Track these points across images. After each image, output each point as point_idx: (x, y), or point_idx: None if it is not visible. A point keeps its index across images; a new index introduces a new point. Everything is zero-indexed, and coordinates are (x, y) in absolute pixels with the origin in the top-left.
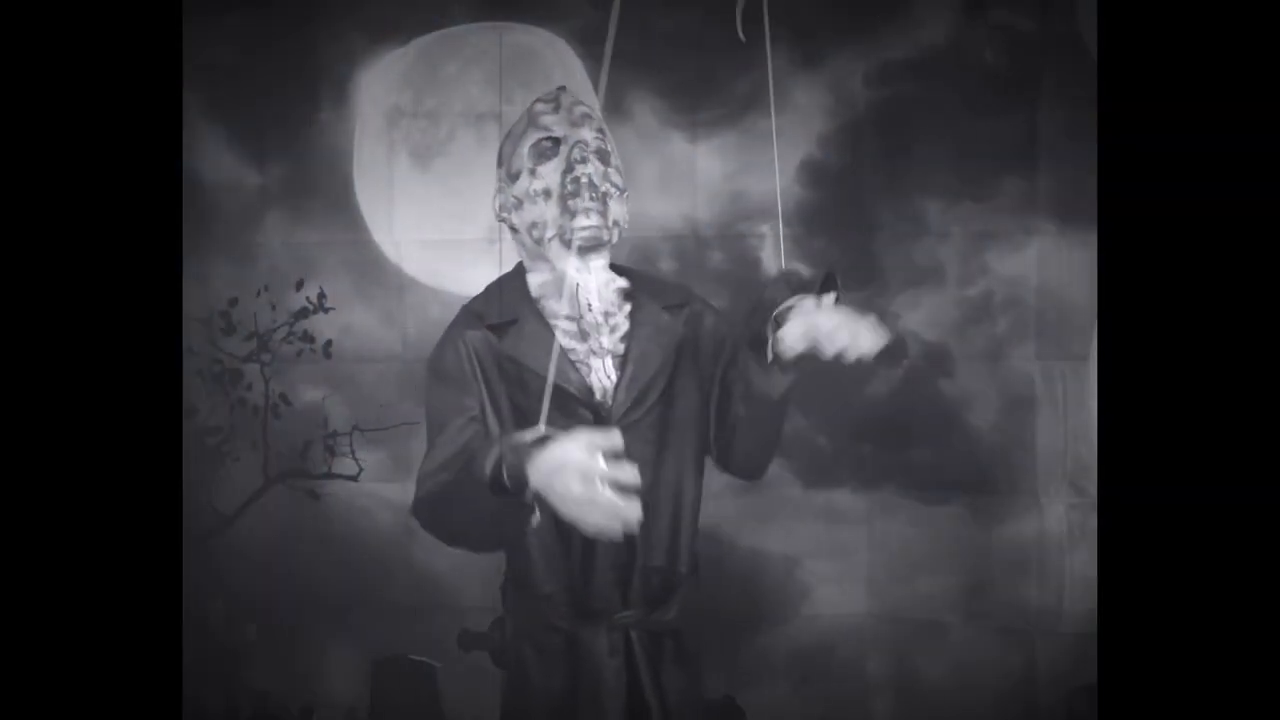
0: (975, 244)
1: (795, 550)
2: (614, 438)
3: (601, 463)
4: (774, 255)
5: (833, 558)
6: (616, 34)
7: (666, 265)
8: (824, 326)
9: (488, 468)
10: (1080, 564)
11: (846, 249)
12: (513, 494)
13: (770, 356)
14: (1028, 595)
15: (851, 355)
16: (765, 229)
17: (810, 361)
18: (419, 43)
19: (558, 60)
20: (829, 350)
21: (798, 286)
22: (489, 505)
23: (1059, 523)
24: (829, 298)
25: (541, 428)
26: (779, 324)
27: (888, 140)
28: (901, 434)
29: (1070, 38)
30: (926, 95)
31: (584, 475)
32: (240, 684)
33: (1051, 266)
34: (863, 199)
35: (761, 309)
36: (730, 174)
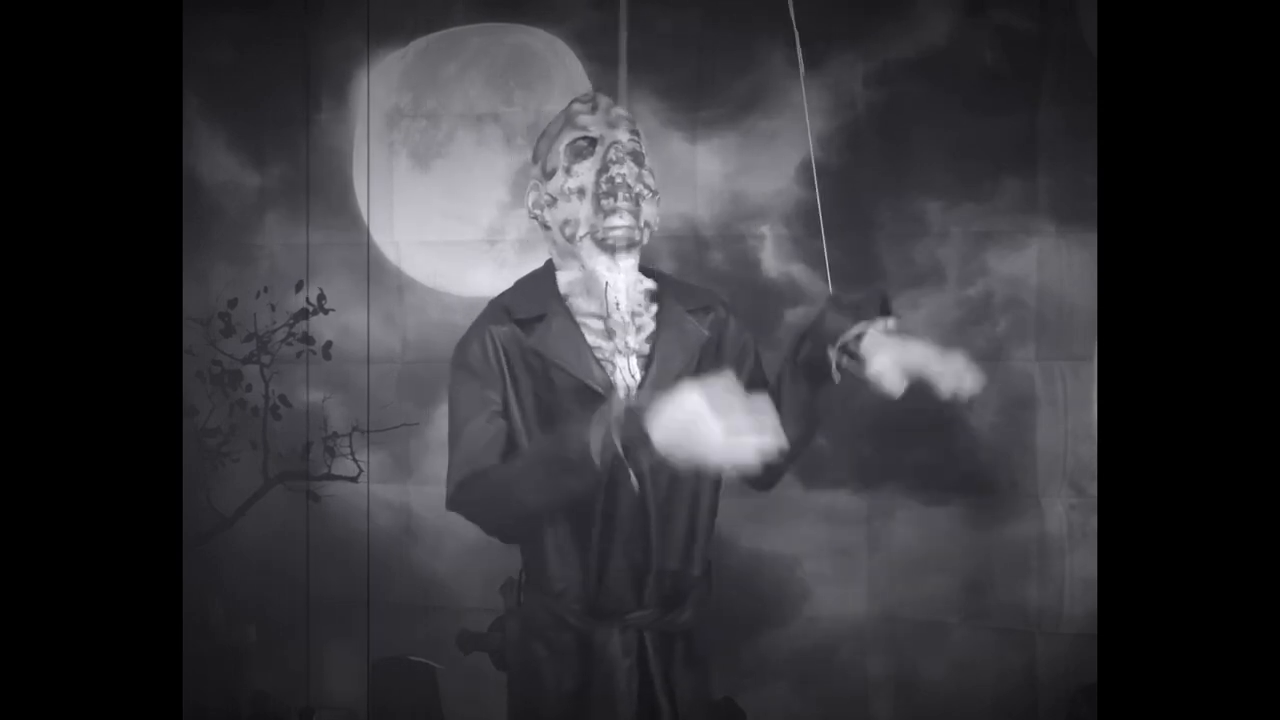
0: (975, 244)
1: (795, 551)
2: (728, 379)
3: (736, 404)
4: (774, 256)
5: (833, 558)
6: (615, 35)
7: (666, 266)
8: (928, 364)
9: (595, 443)
10: (1080, 564)
11: (846, 249)
12: (623, 462)
13: (838, 379)
14: (1028, 595)
15: (963, 396)
16: (765, 229)
17: (914, 396)
18: (418, 44)
19: (557, 61)
20: (944, 391)
21: (850, 311)
22: (545, 495)
23: (1059, 523)
24: (890, 322)
25: (620, 396)
26: (848, 352)
27: (888, 140)
28: (901, 434)
29: (1070, 38)
30: (926, 95)
31: (723, 421)
32: (240, 684)
33: (1051, 266)
34: (863, 199)
35: (816, 335)
36: (730, 174)
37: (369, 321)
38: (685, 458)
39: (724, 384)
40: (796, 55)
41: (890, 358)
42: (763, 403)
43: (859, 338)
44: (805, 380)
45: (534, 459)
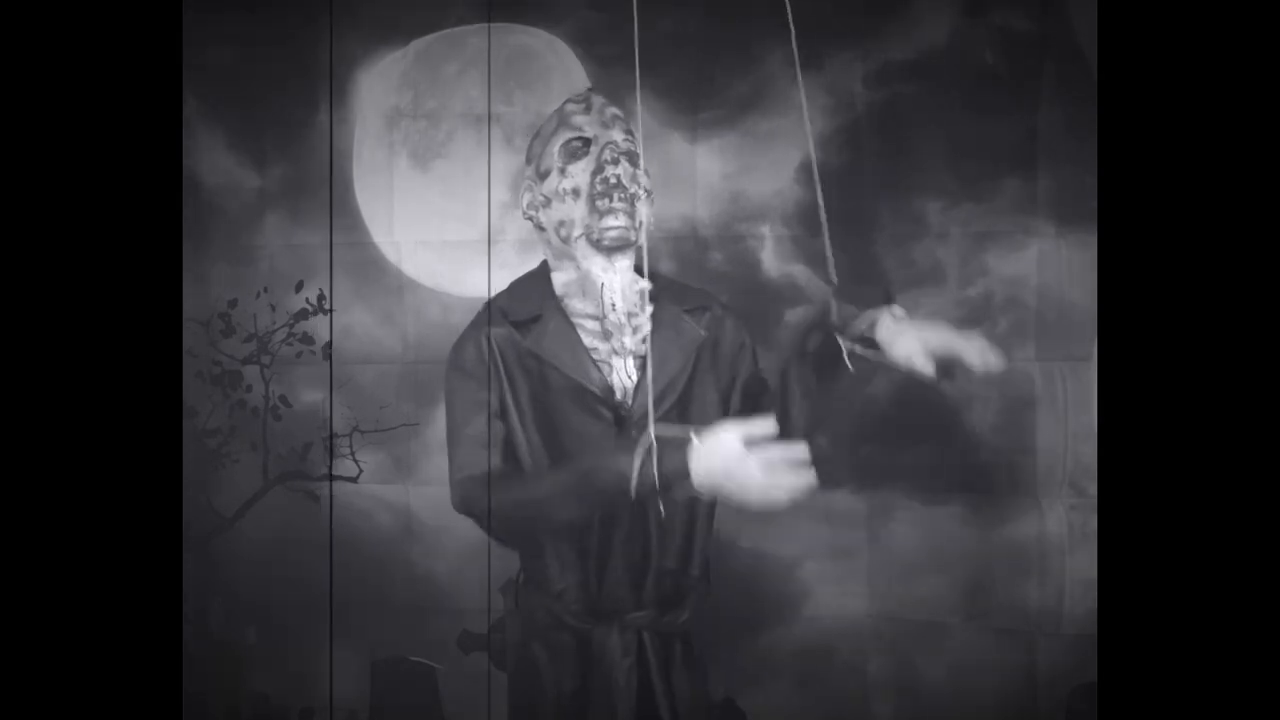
0: (975, 244)
1: (796, 551)
2: (768, 425)
3: (775, 448)
4: (774, 256)
5: (833, 559)
6: (615, 35)
7: (666, 266)
8: (952, 343)
9: (634, 474)
10: (1080, 564)
11: (846, 249)
12: (660, 493)
13: (851, 368)
14: (1028, 596)
15: (992, 370)
16: (765, 229)
17: (947, 377)
18: (418, 44)
19: (557, 61)
20: (975, 366)
21: (855, 301)
22: (575, 514)
23: (1059, 523)
24: (897, 309)
25: (651, 432)
26: (864, 340)
27: (888, 140)
28: (902, 435)
29: (1070, 38)
30: (926, 95)
31: (763, 463)
32: (240, 685)
33: (1051, 267)
34: (863, 199)
35: (825, 325)
36: (730, 174)
37: (396, 322)
38: (722, 495)
39: (762, 427)
40: (794, 53)
41: (914, 341)
42: (799, 448)
43: (873, 325)
44: (814, 372)
45: (565, 488)
